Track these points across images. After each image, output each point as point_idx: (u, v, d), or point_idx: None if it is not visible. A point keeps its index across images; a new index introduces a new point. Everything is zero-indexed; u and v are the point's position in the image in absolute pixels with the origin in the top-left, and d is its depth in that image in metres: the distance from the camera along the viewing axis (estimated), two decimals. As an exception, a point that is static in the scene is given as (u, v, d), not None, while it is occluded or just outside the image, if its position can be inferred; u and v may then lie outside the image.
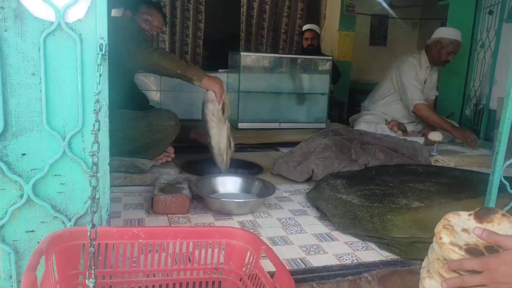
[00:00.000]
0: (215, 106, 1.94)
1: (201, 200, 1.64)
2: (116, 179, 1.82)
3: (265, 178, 2.13)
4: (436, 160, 2.48)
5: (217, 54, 4.29)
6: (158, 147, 2.00)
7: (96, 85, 0.85)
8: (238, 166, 2.44)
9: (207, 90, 1.98)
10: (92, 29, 0.91)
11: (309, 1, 5.80)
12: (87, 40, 0.91)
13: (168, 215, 1.56)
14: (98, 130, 0.81)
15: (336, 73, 4.51)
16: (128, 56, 1.89)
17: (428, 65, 3.09)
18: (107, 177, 0.97)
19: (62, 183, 0.96)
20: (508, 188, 1.42)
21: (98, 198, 0.98)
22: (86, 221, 1.00)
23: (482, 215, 0.82)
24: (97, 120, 0.81)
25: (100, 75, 0.86)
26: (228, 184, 1.78)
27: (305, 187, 2.00)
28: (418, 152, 2.30)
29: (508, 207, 1.47)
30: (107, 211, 1.00)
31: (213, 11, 6.06)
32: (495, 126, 2.91)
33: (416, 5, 7.60)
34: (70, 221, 0.99)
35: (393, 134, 3.01)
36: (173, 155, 2.13)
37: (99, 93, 0.84)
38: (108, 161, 0.97)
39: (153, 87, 3.28)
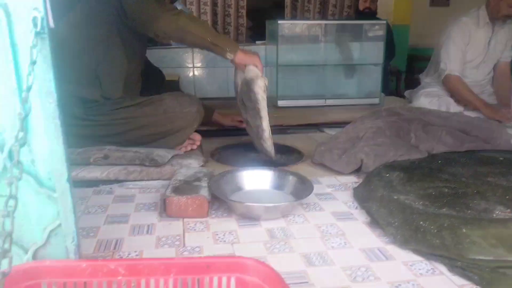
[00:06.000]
0: (264, 82, 1.67)
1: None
2: (131, 173, 1.60)
3: (306, 167, 1.83)
4: (518, 141, 2.01)
5: (262, 24, 3.97)
6: (178, 137, 1.72)
7: (26, 77, 0.57)
8: (275, 152, 2.17)
9: (245, 65, 1.72)
10: (22, -3, 0.62)
11: (362, -40, 5.26)
12: (17, 13, 0.63)
13: (184, 219, 1.31)
14: (23, 144, 0.54)
15: (391, 47, 4.02)
16: (145, 19, 1.61)
17: (488, 21, 2.57)
18: (67, 198, 0.71)
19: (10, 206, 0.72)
20: None
21: (60, 225, 0.73)
22: (48, 253, 0.76)
23: None
24: (22, 130, 0.54)
25: (34, 63, 0.58)
26: (256, 180, 1.49)
27: (353, 179, 1.66)
28: (496, 133, 1.86)
29: None
30: (73, 241, 0.75)
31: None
32: None
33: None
34: (27, 253, 0.76)
35: (459, 109, 2.56)
36: (199, 143, 1.85)
37: (28, 89, 0.57)
38: (67, 177, 0.70)
39: (185, 63, 3.00)
